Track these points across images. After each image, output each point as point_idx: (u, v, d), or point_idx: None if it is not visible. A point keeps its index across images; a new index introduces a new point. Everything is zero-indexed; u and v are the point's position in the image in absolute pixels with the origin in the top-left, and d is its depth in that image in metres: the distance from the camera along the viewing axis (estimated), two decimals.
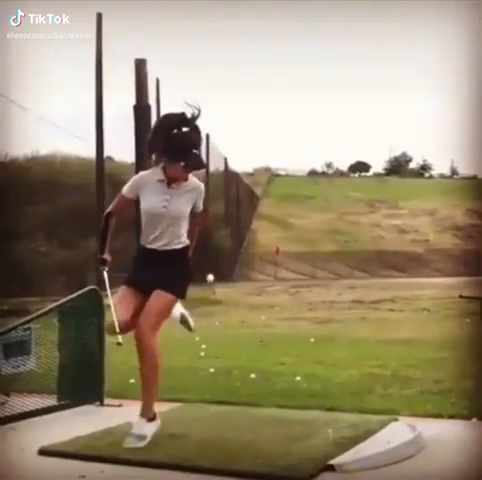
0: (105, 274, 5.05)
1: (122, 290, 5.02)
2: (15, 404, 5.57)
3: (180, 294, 5.02)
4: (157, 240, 4.96)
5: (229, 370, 7.67)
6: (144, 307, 4.88)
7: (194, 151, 4.89)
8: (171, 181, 4.94)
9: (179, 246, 5.00)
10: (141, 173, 5.15)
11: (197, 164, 4.98)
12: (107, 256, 5.07)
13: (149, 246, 4.98)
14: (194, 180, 5.04)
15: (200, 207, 5.09)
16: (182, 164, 4.85)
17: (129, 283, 5.02)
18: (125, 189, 5.05)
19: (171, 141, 4.88)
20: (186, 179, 4.96)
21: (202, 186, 5.08)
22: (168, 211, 4.92)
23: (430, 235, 45.10)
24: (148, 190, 4.95)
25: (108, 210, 5.13)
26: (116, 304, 4.90)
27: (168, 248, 4.97)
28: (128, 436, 4.76)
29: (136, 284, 4.98)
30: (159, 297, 4.88)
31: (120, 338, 4.70)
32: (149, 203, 4.93)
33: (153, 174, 5.00)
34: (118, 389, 6.20)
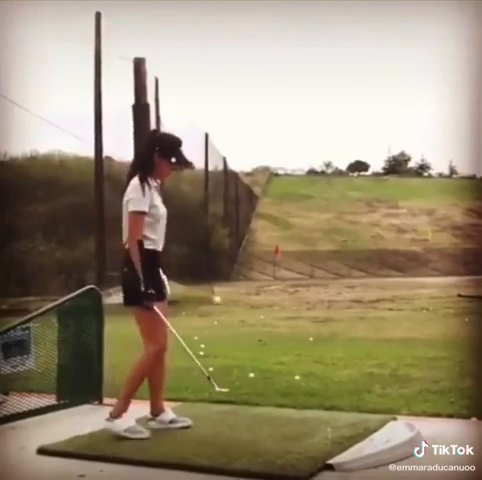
0: (157, 310, 4.93)
1: (155, 311, 4.94)
2: (14, 403, 5.58)
3: None
4: (161, 242, 5.13)
5: (228, 369, 7.67)
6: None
7: (181, 148, 5.18)
8: (157, 179, 5.14)
9: None
10: (138, 185, 4.97)
11: (185, 160, 5.22)
12: (152, 290, 4.89)
13: (158, 249, 5.09)
14: None
15: None
16: (173, 160, 5.10)
17: (157, 298, 4.98)
18: (142, 206, 4.93)
19: (159, 139, 5.21)
20: (169, 175, 5.26)
21: None
22: (165, 212, 5.15)
23: (429, 234, 45.09)
24: (154, 197, 5.03)
25: (137, 238, 4.89)
26: (158, 328, 5.02)
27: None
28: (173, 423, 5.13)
29: (162, 297, 5.08)
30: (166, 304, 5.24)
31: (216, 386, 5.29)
32: (160, 208, 5.06)
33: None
34: (117, 388, 6.20)
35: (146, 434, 4.93)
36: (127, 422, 4.98)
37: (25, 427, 5.35)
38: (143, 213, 4.93)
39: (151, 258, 4.96)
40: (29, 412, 5.59)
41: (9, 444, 4.90)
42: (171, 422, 5.14)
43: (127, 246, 4.94)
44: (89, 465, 4.38)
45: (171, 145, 5.13)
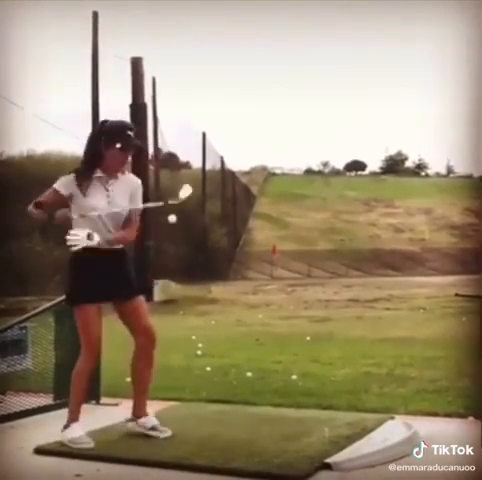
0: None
1: (92, 310, 4.81)
2: (11, 403, 5.56)
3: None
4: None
5: (225, 369, 7.68)
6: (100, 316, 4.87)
7: (129, 132, 4.80)
8: (111, 172, 4.81)
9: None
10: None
11: (132, 145, 4.83)
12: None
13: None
14: (131, 175, 4.95)
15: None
16: (118, 146, 4.73)
17: (90, 299, 4.79)
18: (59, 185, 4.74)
19: (104, 127, 4.83)
20: (123, 164, 4.85)
21: (139, 181, 4.96)
22: (105, 209, 4.79)
23: (426, 234, 45.14)
24: (91, 192, 4.75)
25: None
26: (88, 328, 4.85)
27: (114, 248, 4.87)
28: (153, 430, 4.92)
29: (95, 298, 4.82)
30: (143, 301, 5.01)
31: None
32: (91, 201, 4.74)
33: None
34: (114, 388, 6.20)
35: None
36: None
37: (22, 427, 5.34)
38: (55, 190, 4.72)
39: (80, 257, 4.72)
40: (26, 412, 5.58)
41: (6, 444, 4.88)
42: (152, 429, 4.92)
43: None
44: (86, 465, 4.37)
45: (113, 130, 4.77)
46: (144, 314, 4.97)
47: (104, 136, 4.76)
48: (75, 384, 4.89)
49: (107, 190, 4.81)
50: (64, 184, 4.76)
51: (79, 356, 4.91)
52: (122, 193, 4.85)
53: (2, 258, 20.81)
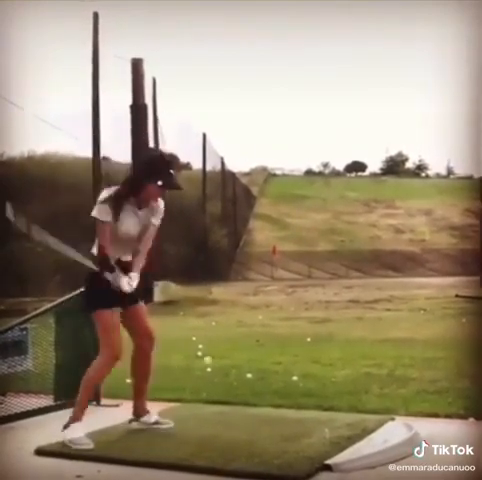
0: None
1: (109, 315, 4.88)
2: (12, 404, 5.56)
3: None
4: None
5: (226, 370, 7.67)
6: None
7: (171, 171, 4.92)
8: (143, 202, 4.93)
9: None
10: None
11: (174, 184, 4.96)
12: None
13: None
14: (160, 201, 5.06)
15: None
16: (159, 183, 4.85)
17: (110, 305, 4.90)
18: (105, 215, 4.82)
19: (151, 158, 5.06)
20: (157, 198, 4.99)
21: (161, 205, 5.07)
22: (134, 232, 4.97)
23: (426, 235, 45.17)
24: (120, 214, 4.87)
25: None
26: (113, 331, 4.88)
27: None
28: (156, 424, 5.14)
29: (114, 304, 4.92)
30: (144, 306, 5.14)
31: None
32: (124, 227, 4.88)
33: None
34: (115, 389, 6.20)
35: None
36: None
37: (23, 428, 5.35)
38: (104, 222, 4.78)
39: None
40: (27, 413, 5.58)
41: (7, 445, 4.88)
42: (155, 423, 5.12)
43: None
44: (87, 466, 4.37)
45: (158, 167, 4.88)
46: (144, 317, 5.11)
47: (148, 168, 4.87)
48: (88, 386, 4.93)
49: (138, 216, 4.92)
50: (105, 213, 4.79)
51: (98, 359, 4.92)
52: (150, 218, 4.99)
53: (2, 258, 20.83)
